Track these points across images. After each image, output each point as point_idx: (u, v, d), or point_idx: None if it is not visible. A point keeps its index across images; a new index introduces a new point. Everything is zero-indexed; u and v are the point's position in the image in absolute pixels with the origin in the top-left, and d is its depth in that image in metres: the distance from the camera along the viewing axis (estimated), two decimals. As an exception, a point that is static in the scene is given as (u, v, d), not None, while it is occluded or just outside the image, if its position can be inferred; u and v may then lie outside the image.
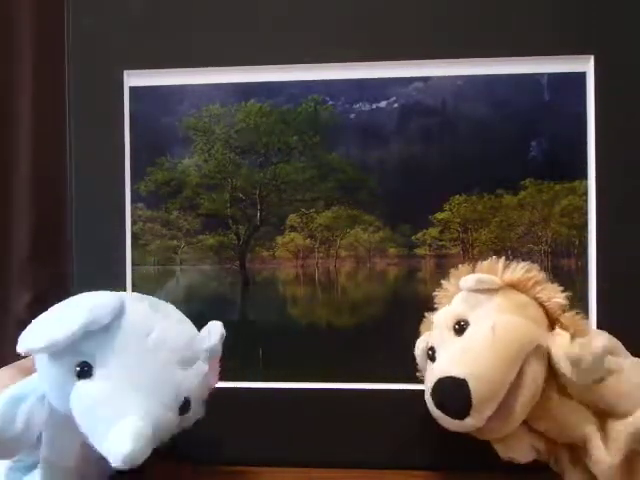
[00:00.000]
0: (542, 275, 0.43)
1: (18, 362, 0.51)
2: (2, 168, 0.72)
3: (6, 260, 0.73)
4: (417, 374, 0.47)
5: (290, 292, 0.57)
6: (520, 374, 0.39)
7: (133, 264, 0.57)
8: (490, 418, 0.39)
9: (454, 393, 0.38)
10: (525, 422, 0.41)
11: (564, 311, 0.42)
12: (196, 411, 0.44)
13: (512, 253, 0.55)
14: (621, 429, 0.40)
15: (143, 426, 0.37)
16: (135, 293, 0.48)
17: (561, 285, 0.53)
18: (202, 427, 0.52)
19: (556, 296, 0.42)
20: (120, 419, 0.37)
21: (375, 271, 0.56)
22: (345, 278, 0.56)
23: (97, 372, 0.39)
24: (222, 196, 0.57)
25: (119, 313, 0.40)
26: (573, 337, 0.40)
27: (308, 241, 0.57)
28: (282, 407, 0.54)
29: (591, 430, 0.40)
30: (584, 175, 0.53)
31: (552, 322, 0.42)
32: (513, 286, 0.43)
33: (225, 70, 0.56)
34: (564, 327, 0.41)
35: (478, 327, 0.41)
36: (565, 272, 0.54)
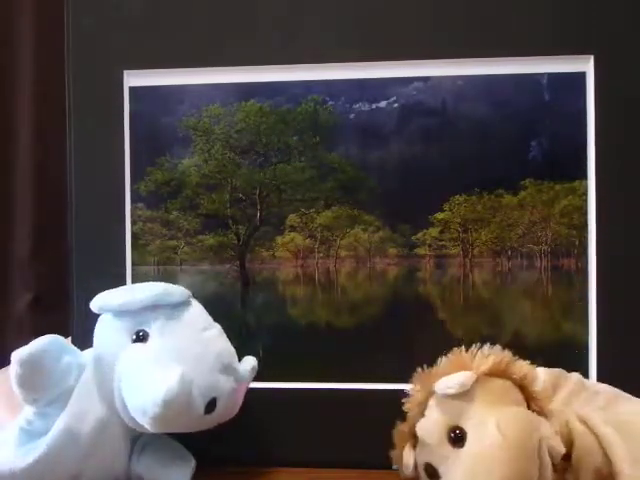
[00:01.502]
0: (507, 352, 0.41)
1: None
2: (2, 168, 0.72)
3: (6, 260, 0.73)
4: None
5: (290, 292, 0.57)
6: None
7: (133, 264, 0.57)
8: None
9: None
10: None
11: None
12: (214, 420, 0.45)
13: (512, 253, 0.55)
14: None
15: (189, 376, 0.39)
16: None
17: (561, 285, 0.54)
18: (202, 427, 0.53)
19: (528, 372, 0.40)
20: (163, 374, 0.39)
21: (375, 271, 0.56)
22: (345, 278, 0.56)
23: (151, 340, 0.43)
24: (222, 196, 0.57)
25: (186, 301, 0.45)
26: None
27: (308, 241, 0.57)
28: (282, 407, 0.54)
29: None
30: (584, 175, 0.53)
31: (525, 397, 0.40)
32: (487, 374, 0.40)
33: (225, 70, 0.56)
34: (540, 408, 0.40)
35: (480, 432, 0.37)
36: (565, 272, 0.54)
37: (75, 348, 0.46)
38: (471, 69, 0.54)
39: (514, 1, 0.53)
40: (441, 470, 0.39)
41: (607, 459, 0.38)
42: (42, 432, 0.42)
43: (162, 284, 0.45)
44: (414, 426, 0.41)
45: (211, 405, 0.43)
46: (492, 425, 0.37)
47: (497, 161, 0.54)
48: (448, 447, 0.38)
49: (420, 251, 0.55)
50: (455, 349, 0.42)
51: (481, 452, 0.36)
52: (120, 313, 0.44)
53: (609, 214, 0.53)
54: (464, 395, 0.39)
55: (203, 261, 0.57)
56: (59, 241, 0.66)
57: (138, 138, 0.57)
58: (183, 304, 0.45)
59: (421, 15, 0.54)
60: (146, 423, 0.39)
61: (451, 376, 0.39)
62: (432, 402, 0.41)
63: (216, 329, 0.46)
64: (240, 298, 0.57)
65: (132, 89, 0.56)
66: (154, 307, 0.43)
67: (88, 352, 0.46)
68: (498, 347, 0.41)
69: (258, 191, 0.57)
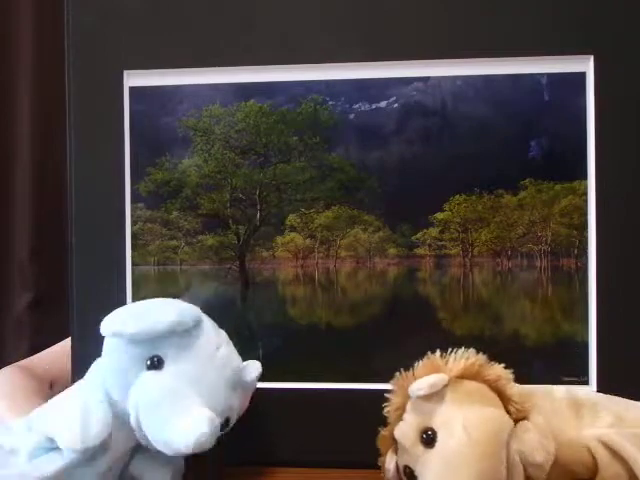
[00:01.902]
0: (482, 356, 0.41)
1: (20, 362, 0.51)
2: (2, 168, 0.72)
3: (6, 260, 0.73)
4: None
5: (290, 292, 0.57)
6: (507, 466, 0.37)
7: (133, 264, 0.57)
8: None
9: None
10: None
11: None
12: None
13: (512, 253, 0.55)
14: None
15: (214, 419, 0.39)
16: None
17: (561, 285, 0.54)
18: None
19: (502, 374, 0.40)
20: (186, 411, 0.39)
21: (375, 271, 0.56)
22: (345, 278, 0.56)
23: (167, 367, 0.41)
24: (222, 196, 0.57)
25: (198, 322, 0.44)
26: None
27: (308, 241, 0.57)
28: (282, 407, 0.54)
29: None
30: (584, 175, 0.53)
31: (502, 400, 0.40)
32: (460, 376, 0.40)
33: (225, 70, 0.56)
34: (517, 410, 0.40)
35: (447, 432, 0.38)
36: (565, 272, 0.54)
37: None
38: (471, 69, 0.54)
39: (514, 1, 0.53)
40: (417, 471, 0.39)
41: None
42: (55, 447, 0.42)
43: (175, 307, 0.43)
44: (393, 433, 0.42)
45: (226, 424, 0.44)
46: (458, 425, 0.37)
47: (497, 161, 0.54)
48: (421, 448, 0.39)
49: (420, 251, 0.55)
50: (429, 353, 0.42)
51: (447, 452, 0.37)
52: (133, 340, 0.42)
53: (609, 214, 0.53)
54: (436, 397, 0.39)
55: (203, 261, 0.57)
56: (59, 241, 0.66)
57: (138, 138, 0.57)
58: (196, 325, 0.44)
59: (421, 15, 0.54)
60: (171, 454, 0.40)
61: (423, 378, 0.40)
62: (408, 406, 0.41)
63: (226, 345, 0.45)
64: (240, 298, 0.57)
65: (132, 89, 0.56)
66: (169, 332, 0.42)
67: (98, 372, 0.44)
68: (472, 351, 0.41)
69: (258, 191, 0.57)
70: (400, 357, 0.50)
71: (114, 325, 0.42)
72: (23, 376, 0.59)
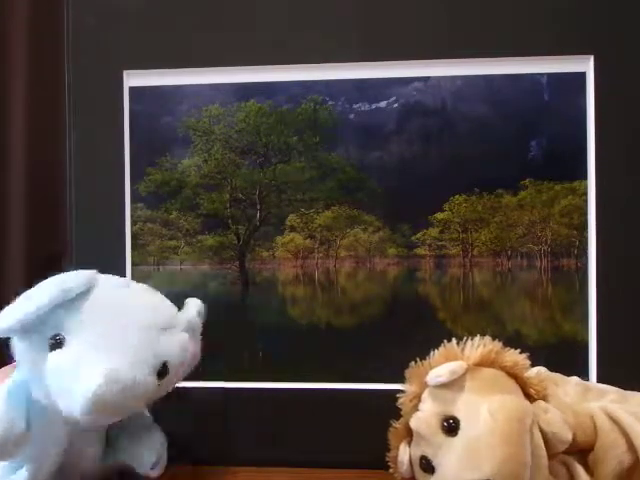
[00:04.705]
0: (497, 343, 0.42)
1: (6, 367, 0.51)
2: (0, 168, 0.72)
3: (5, 260, 0.73)
4: None
5: (290, 292, 0.57)
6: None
7: (133, 264, 0.57)
8: None
9: None
10: None
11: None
12: (174, 379, 0.44)
13: (512, 253, 0.55)
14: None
15: (115, 370, 0.37)
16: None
17: (561, 285, 0.54)
18: (202, 427, 0.53)
19: (519, 359, 0.41)
20: (85, 374, 0.37)
21: (375, 271, 0.56)
22: (345, 278, 0.56)
23: (67, 341, 0.39)
24: (222, 196, 0.57)
25: (89, 285, 0.41)
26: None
27: (308, 241, 0.57)
28: (282, 407, 0.54)
29: None
30: (584, 175, 0.53)
31: (520, 384, 0.41)
32: (478, 364, 0.40)
33: (225, 70, 0.56)
34: (537, 392, 0.40)
35: (472, 419, 0.38)
36: (565, 272, 0.54)
37: (17, 387, 0.42)
38: (471, 69, 0.54)
39: (514, 1, 0.53)
40: (435, 462, 0.39)
41: (632, 451, 0.39)
42: (20, 465, 0.42)
43: (58, 278, 0.41)
44: (408, 423, 0.41)
45: (163, 370, 0.41)
46: (484, 412, 0.37)
47: (497, 161, 0.54)
48: (442, 436, 0.39)
49: (420, 251, 0.55)
50: (446, 342, 0.42)
51: (474, 438, 0.37)
52: (26, 328, 0.39)
53: (609, 214, 0.53)
54: (455, 385, 0.39)
55: (203, 261, 0.57)
56: (59, 241, 0.66)
57: (138, 138, 0.57)
58: (89, 290, 0.41)
59: (421, 15, 0.54)
60: (96, 424, 0.39)
61: (441, 366, 0.40)
62: (425, 394, 0.41)
63: (138, 294, 0.44)
64: (240, 298, 0.57)
65: (132, 89, 0.56)
66: (60, 306, 0.40)
67: (14, 381, 0.42)
68: (488, 338, 0.42)
69: (258, 191, 0.57)
70: (400, 357, 0.50)
71: (1, 320, 0.39)
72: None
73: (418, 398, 0.42)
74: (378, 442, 0.51)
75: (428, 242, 0.55)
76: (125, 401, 0.38)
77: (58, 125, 0.57)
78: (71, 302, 0.40)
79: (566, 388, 0.43)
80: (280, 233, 0.57)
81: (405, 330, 0.55)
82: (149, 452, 0.45)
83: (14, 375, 0.42)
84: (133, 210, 0.57)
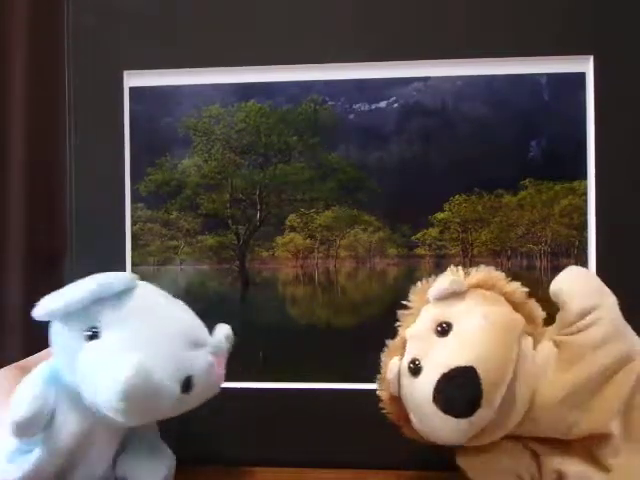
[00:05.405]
0: (501, 273, 0.43)
1: (19, 362, 0.51)
2: (0, 168, 0.72)
3: (5, 260, 0.73)
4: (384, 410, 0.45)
5: (290, 292, 0.57)
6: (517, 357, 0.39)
7: (133, 264, 0.57)
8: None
9: (464, 383, 0.37)
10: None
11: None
12: (197, 398, 0.44)
13: (512, 253, 0.55)
14: None
15: (147, 362, 0.38)
16: None
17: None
18: (202, 427, 0.53)
19: (519, 288, 0.43)
20: (115, 366, 0.38)
21: (375, 271, 0.56)
22: (345, 278, 0.56)
23: (103, 335, 0.41)
24: (222, 196, 0.57)
25: (130, 285, 0.43)
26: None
27: (308, 241, 0.57)
28: (282, 407, 0.54)
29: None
30: (584, 175, 0.53)
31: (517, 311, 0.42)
32: (478, 286, 0.42)
33: (225, 70, 0.56)
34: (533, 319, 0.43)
35: (466, 321, 0.40)
36: (565, 272, 0.54)
37: (43, 369, 0.43)
38: (471, 69, 0.54)
39: (514, 1, 0.53)
40: (425, 360, 0.40)
41: None
42: (29, 450, 0.42)
43: (102, 275, 0.43)
44: (404, 338, 0.43)
45: (187, 384, 0.42)
46: (478, 315, 0.39)
47: (497, 161, 0.54)
48: (434, 337, 0.40)
49: (420, 251, 0.55)
50: (452, 266, 0.43)
51: (464, 336, 0.39)
52: (67, 316, 0.42)
53: (609, 214, 0.53)
54: (454, 298, 0.41)
55: (203, 261, 0.57)
56: (59, 241, 0.66)
57: (138, 138, 0.57)
58: (129, 290, 0.43)
59: (421, 15, 0.54)
60: (118, 417, 0.39)
61: (445, 278, 0.42)
62: (423, 309, 0.43)
63: (174, 307, 0.45)
64: (240, 298, 0.57)
65: (132, 89, 0.56)
66: (100, 300, 0.41)
67: (49, 365, 0.44)
68: (492, 268, 0.43)
69: (258, 191, 0.57)
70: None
71: (42, 307, 0.41)
72: (23, 376, 0.59)
73: (417, 315, 0.43)
74: (378, 442, 0.51)
75: (428, 242, 0.55)
76: (150, 400, 0.39)
77: (58, 125, 0.57)
78: (112, 298, 0.42)
79: None
80: (280, 233, 0.57)
81: (405, 330, 0.55)
82: (154, 475, 0.45)
83: (52, 359, 0.44)
84: (133, 210, 0.57)
